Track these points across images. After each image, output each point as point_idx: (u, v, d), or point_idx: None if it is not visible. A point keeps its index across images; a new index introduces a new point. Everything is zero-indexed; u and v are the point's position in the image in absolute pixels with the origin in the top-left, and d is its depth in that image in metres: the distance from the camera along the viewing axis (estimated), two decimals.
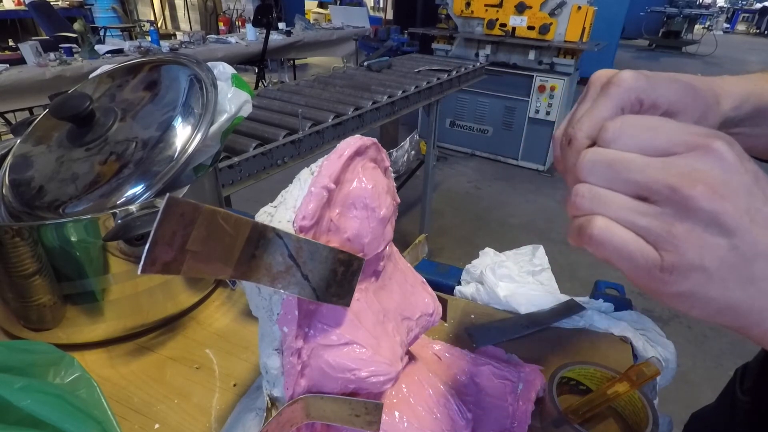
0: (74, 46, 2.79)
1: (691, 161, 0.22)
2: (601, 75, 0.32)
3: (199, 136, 0.54)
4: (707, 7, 11.48)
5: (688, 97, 0.32)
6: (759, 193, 0.22)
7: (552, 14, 3.22)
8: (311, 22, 5.29)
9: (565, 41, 3.24)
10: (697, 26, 10.47)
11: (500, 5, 3.33)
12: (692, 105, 0.32)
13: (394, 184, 0.40)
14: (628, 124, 0.24)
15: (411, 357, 0.47)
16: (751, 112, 0.36)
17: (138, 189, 0.51)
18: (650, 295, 0.24)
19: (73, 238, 0.48)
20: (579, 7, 3.13)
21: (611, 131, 0.25)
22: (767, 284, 0.22)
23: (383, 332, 0.36)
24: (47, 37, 3.94)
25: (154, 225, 0.22)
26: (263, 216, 0.33)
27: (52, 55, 2.57)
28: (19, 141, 0.61)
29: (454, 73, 2.35)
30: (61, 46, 2.69)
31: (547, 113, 3.47)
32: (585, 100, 0.32)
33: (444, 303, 0.48)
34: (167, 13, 8.92)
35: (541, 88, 3.42)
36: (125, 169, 0.52)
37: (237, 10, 7.89)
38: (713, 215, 0.21)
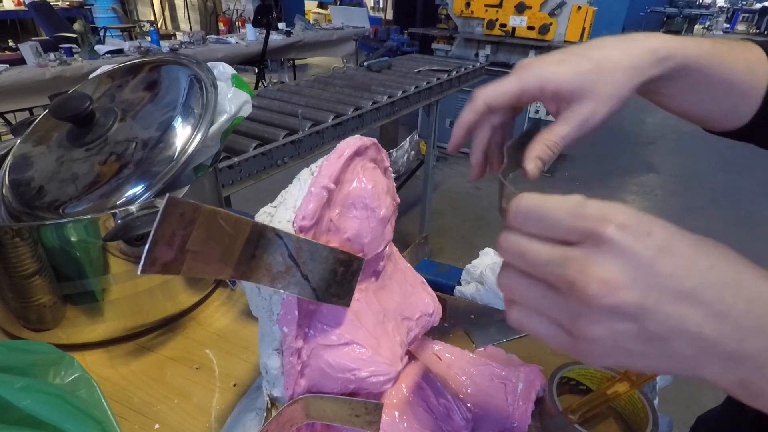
0: (74, 46, 2.79)
1: (587, 254, 0.22)
2: (523, 61, 0.36)
3: (199, 136, 0.54)
4: (707, 7, 11.48)
5: (592, 80, 0.34)
6: (665, 265, 0.21)
7: (552, 14, 3.22)
8: (311, 22, 5.29)
9: (565, 41, 3.24)
10: (697, 26, 10.47)
11: (500, 5, 3.32)
12: (597, 86, 0.34)
13: (394, 184, 0.40)
14: (527, 208, 0.25)
15: (411, 357, 0.47)
16: (675, 69, 0.36)
17: (138, 189, 0.51)
18: None
19: (73, 238, 0.48)
20: (579, 7, 3.13)
21: (516, 216, 0.25)
22: (690, 352, 0.22)
23: (383, 332, 0.36)
24: (47, 38, 3.93)
25: (154, 225, 0.22)
26: (263, 216, 0.33)
27: (52, 56, 2.57)
28: (19, 141, 0.61)
29: (454, 73, 2.35)
30: (61, 46, 2.68)
31: (547, 113, 3.46)
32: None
33: (444, 303, 0.48)
34: (167, 13, 8.92)
35: None
36: (125, 169, 0.52)
37: (237, 10, 7.88)
38: (612, 308, 0.22)
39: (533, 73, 0.34)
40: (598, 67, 0.34)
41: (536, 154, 0.34)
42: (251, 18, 4.64)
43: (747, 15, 14.72)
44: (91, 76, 0.66)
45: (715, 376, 0.22)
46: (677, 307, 0.21)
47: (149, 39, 3.61)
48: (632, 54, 0.35)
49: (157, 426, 0.46)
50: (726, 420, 0.58)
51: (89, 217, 0.47)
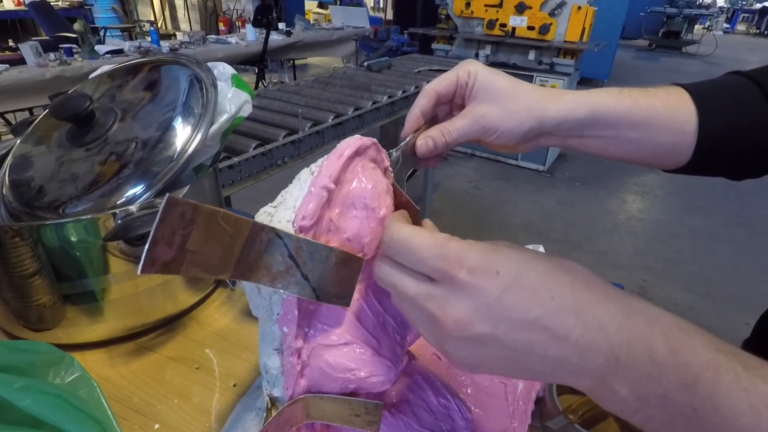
0: (74, 46, 2.78)
1: (445, 293, 0.26)
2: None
3: (199, 136, 0.54)
4: (707, 7, 11.46)
5: (504, 92, 0.40)
6: (510, 299, 0.25)
7: (552, 14, 3.21)
8: (311, 22, 5.29)
9: (565, 41, 3.24)
10: (697, 26, 10.45)
11: (500, 5, 3.32)
12: (502, 98, 0.40)
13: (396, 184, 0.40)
14: (398, 242, 0.28)
15: (411, 357, 0.47)
16: (587, 117, 0.40)
17: (138, 189, 0.51)
18: None
19: (73, 238, 0.48)
20: (579, 7, 3.12)
21: (389, 246, 0.29)
22: (541, 367, 0.26)
23: (383, 332, 0.36)
24: (47, 38, 3.93)
25: (154, 225, 0.22)
26: (263, 216, 0.33)
27: (52, 56, 2.57)
28: (19, 141, 0.61)
29: None
30: (61, 46, 2.68)
31: None
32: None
33: None
34: (167, 13, 8.91)
35: None
36: (125, 169, 0.52)
37: (237, 10, 7.88)
38: (468, 339, 0.26)
39: (467, 66, 0.41)
40: (515, 90, 0.40)
41: (430, 135, 0.40)
42: (251, 18, 4.64)
43: (747, 15, 14.72)
44: (91, 76, 0.66)
45: (568, 383, 0.26)
46: (525, 334, 0.25)
47: (149, 39, 3.61)
48: (542, 98, 0.40)
49: (157, 426, 0.46)
50: None
51: (89, 217, 0.47)
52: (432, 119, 0.43)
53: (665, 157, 0.43)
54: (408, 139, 0.41)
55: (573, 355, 0.24)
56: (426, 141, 0.40)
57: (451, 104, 0.44)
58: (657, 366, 0.23)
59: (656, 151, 0.42)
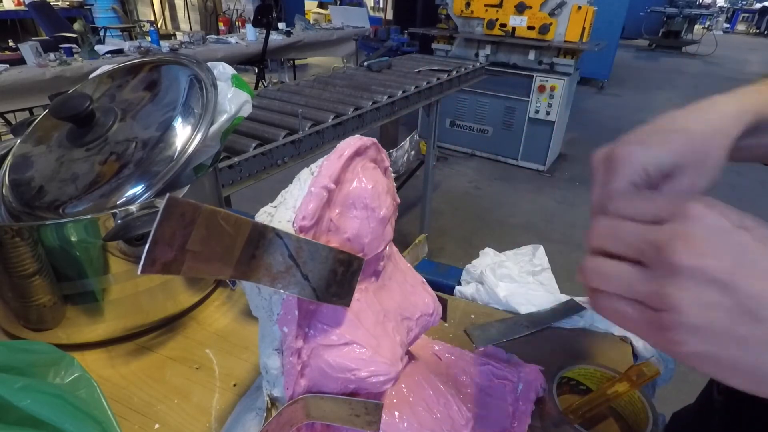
0: (74, 46, 2.79)
1: (675, 225, 0.23)
2: (599, 156, 0.34)
3: (199, 136, 0.54)
4: (707, 7, 11.47)
5: (687, 151, 0.32)
6: (758, 247, 0.21)
7: (552, 14, 3.21)
8: (311, 22, 5.29)
9: (565, 41, 3.24)
10: (697, 26, 10.46)
11: (500, 5, 3.32)
12: (693, 156, 0.32)
13: (394, 184, 0.40)
14: (624, 198, 0.27)
15: (411, 357, 0.47)
16: (749, 125, 0.35)
17: (138, 189, 0.51)
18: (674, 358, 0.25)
19: (73, 238, 0.48)
20: (579, 7, 3.12)
21: (615, 205, 0.27)
22: None
23: (383, 332, 0.36)
24: (47, 38, 3.93)
25: (154, 225, 0.22)
26: (263, 216, 0.33)
27: (52, 56, 2.57)
28: (19, 141, 0.61)
29: (454, 73, 2.35)
30: (61, 46, 2.69)
31: (547, 113, 3.46)
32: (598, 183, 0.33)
33: (444, 303, 0.48)
34: (167, 13, 8.91)
35: (541, 88, 3.41)
36: (125, 169, 0.52)
37: (237, 10, 7.88)
38: (699, 271, 0.21)
39: (633, 165, 0.32)
40: (691, 141, 0.33)
41: None
42: (251, 18, 4.64)
43: (747, 15, 14.73)
44: (91, 76, 0.66)
45: None
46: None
47: (149, 39, 3.61)
48: (713, 126, 0.33)
49: (157, 426, 0.46)
50: (697, 415, 0.59)
51: (89, 217, 0.47)
52: None
53: None
54: None
55: None
56: None
57: None
58: None
59: None
